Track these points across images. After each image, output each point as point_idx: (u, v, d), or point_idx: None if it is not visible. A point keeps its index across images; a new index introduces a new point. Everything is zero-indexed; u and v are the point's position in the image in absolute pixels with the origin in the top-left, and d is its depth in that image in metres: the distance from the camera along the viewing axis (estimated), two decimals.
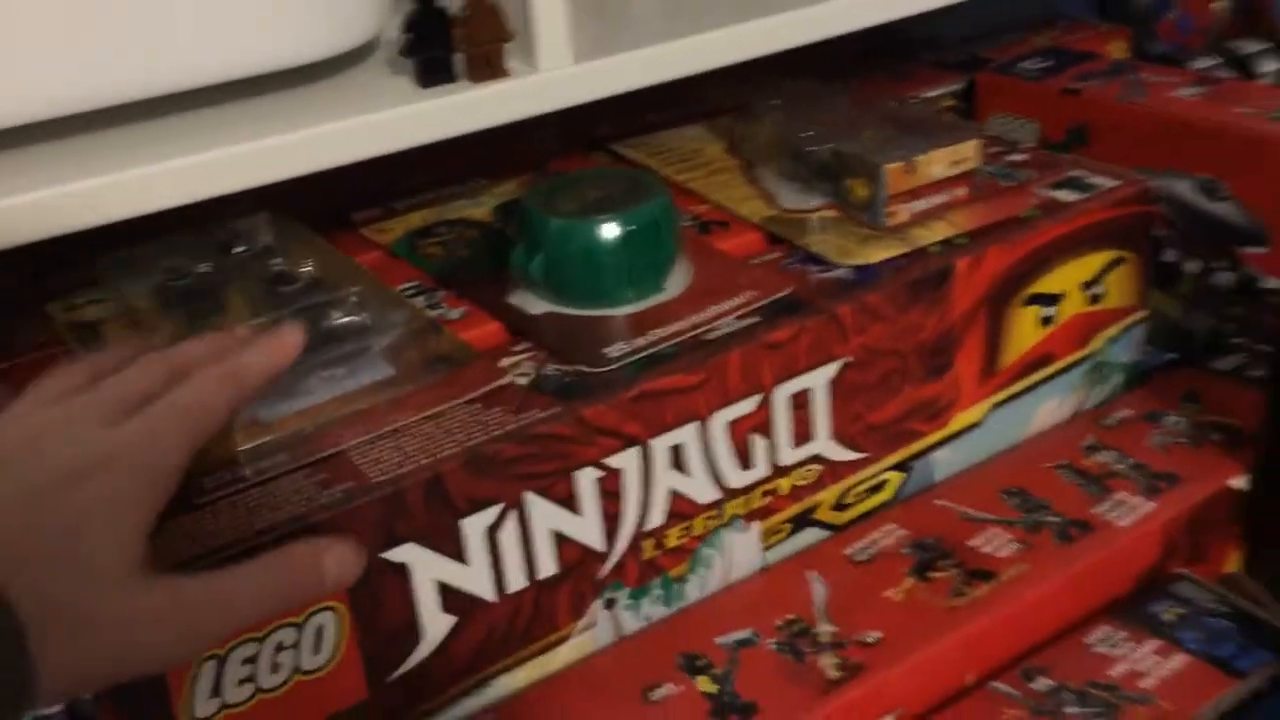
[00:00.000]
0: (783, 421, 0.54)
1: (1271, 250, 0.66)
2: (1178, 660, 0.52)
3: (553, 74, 0.52)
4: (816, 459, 0.55)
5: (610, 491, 0.50)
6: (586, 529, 0.50)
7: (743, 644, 0.51)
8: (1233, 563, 0.60)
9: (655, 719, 0.48)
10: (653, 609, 0.53)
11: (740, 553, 0.55)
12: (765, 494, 0.54)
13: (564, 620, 0.51)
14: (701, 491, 0.52)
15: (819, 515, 0.57)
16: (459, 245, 0.61)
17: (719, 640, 0.51)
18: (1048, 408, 0.63)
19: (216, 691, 0.42)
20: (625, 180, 0.57)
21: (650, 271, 0.54)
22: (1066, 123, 0.72)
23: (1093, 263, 0.62)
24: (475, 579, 0.47)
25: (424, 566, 0.46)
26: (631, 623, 0.53)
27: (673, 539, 0.52)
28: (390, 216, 0.64)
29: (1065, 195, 0.61)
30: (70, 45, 0.44)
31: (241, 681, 0.43)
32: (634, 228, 0.53)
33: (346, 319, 0.50)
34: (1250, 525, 0.59)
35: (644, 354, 0.50)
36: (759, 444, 0.53)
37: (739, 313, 0.53)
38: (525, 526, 0.48)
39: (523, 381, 0.50)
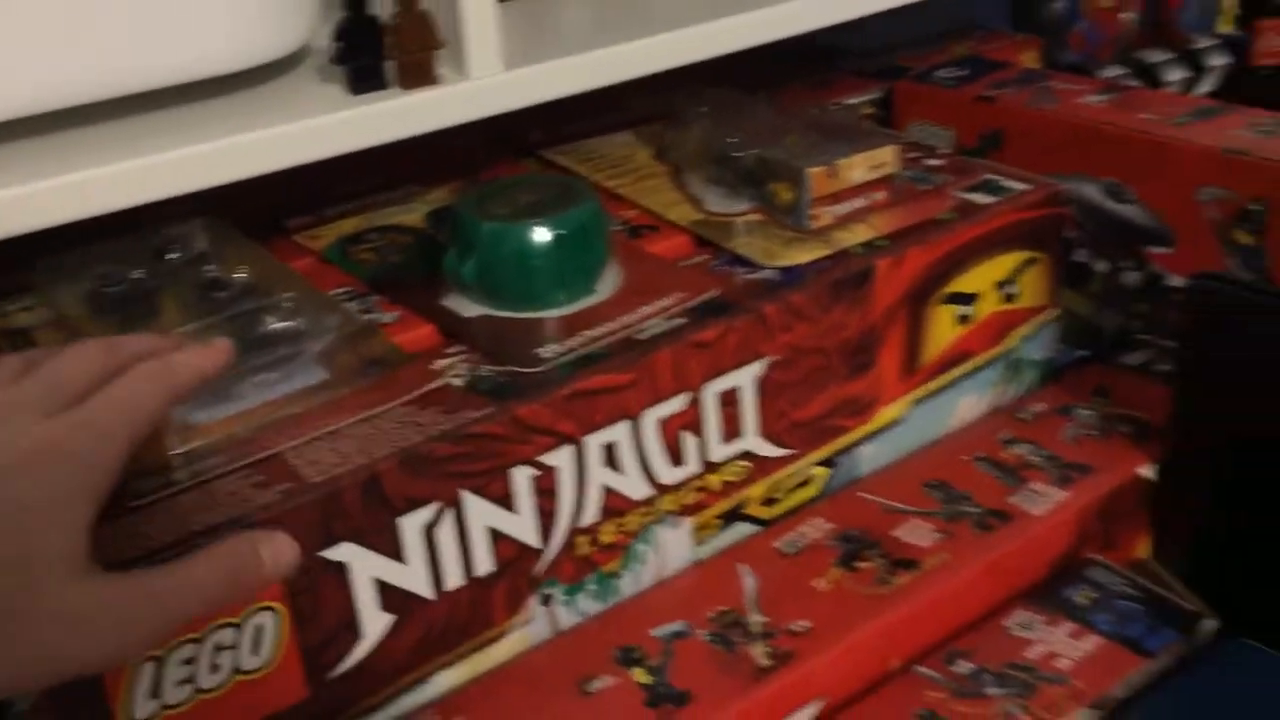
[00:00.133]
0: (712, 419, 0.55)
1: (1176, 250, 0.69)
2: (1091, 641, 0.54)
3: (483, 81, 0.52)
4: (745, 455, 0.57)
5: (545, 489, 0.51)
6: (522, 526, 0.51)
7: (676, 636, 0.52)
8: (1142, 548, 0.62)
9: (592, 710, 0.49)
10: (588, 604, 0.54)
11: (672, 548, 0.56)
12: (696, 490, 0.56)
13: (501, 617, 0.51)
14: (634, 488, 0.54)
15: (748, 510, 0.58)
16: (391, 251, 0.61)
17: (653, 633, 0.52)
18: (966, 403, 0.65)
19: (156, 692, 0.43)
20: (556, 185, 0.58)
21: (581, 274, 0.55)
22: (981, 129, 0.75)
23: (1007, 263, 0.64)
24: (413, 577, 0.48)
25: (362, 565, 0.47)
26: (568, 618, 0.54)
27: (607, 535, 0.53)
28: (322, 223, 0.65)
29: (980, 198, 0.64)
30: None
31: (181, 682, 0.43)
32: (565, 231, 0.54)
33: (280, 324, 0.51)
34: (1157, 513, 0.62)
35: (576, 354, 0.52)
36: (689, 441, 0.55)
37: (668, 313, 0.54)
38: (462, 525, 0.49)
39: (457, 382, 0.51)
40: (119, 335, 0.43)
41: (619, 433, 0.52)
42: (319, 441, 0.47)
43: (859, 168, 0.61)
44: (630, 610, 0.54)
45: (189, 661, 0.43)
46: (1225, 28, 1.09)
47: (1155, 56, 1.02)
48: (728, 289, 0.56)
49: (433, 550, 0.48)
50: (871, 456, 0.62)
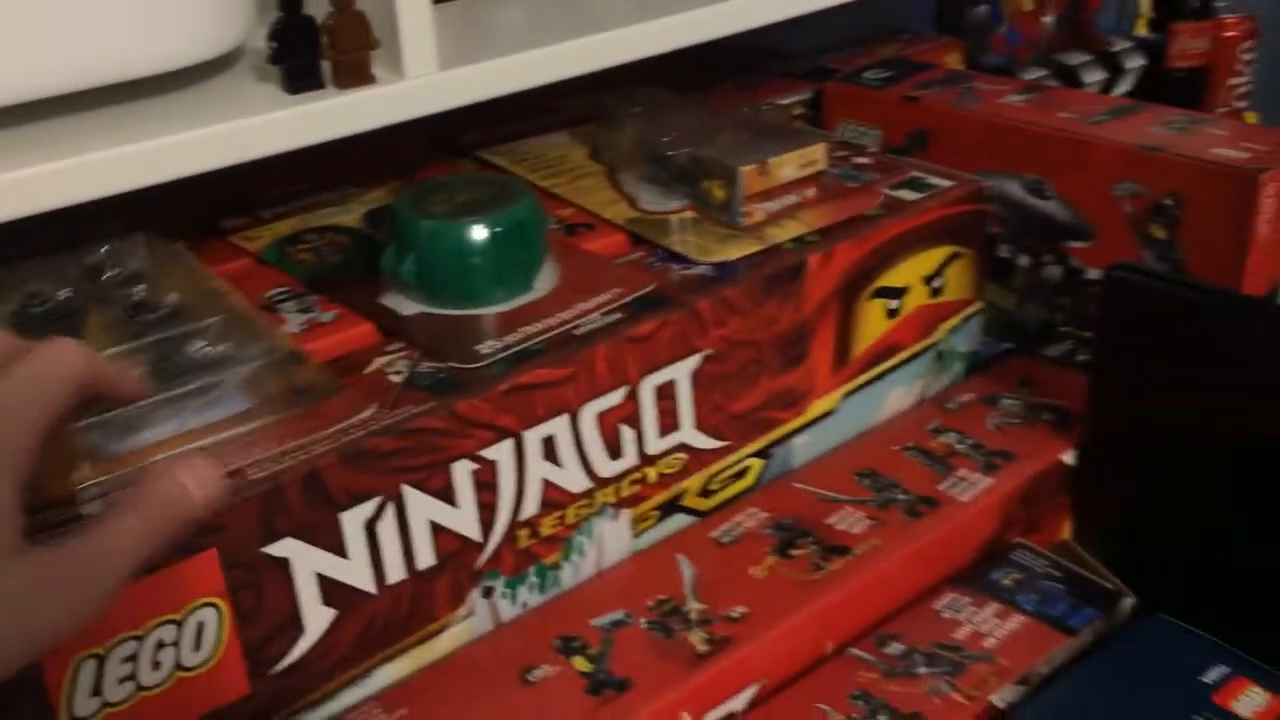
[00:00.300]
0: (649, 412, 0.56)
1: (1094, 244, 0.71)
2: (1016, 621, 0.56)
3: (418, 81, 0.53)
4: (682, 448, 0.58)
5: (485, 483, 0.51)
6: (463, 520, 0.51)
7: (616, 625, 0.53)
8: (1064, 531, 0.65)
9: (534, 699, 0.50)
10: (529, 596, 0.55)
11: (611, 539, 0.57)
12: (634, 482, 0.57)
13: (443, 610, 0.52)
14: (573, 481, 0.54)
15: (685, 502, 0.59)
16: (330, 251, 0.62)
17: (593, 622, 0.53)
18: (896, 395, 0.67)
19: (97, 690, 0.43)
20: (493, 184, 0.59)
21: (519, 271, 0.56)
22: (907, 128, 0.77)
23: (933, 258, 0.66)
24: (355, 571, 0.49)
25: (304, 560, 0.47)
26: (509, 610, 0.54)
27: (547, 528, 0.54)
28: (259, 224, 0.65)
29: (907, 195, 0.66)
30: None
31: (122, 680, 0.43)
32: (503, 229, 0.55)
33: (204, 350, 0.49)
34: (1078, 496, 0.64)
35: (515, 350, 0.52)
36: (627, 434, 0.56)
37: (605, 309, 0.55)
38: (403, 519, 0.49)
39: (397, 379, 0.51)
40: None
41: (558, 427, 0.53)
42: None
43: (790, 165, 0.62)
44: (570, 601, 0.55)
45: (130, 659, 0.43)
46: (1141, 31, 1.12)
47: (1075, 58, 1.05)
48: (663, 285, 0.57)
49: (374, 544, 0.49)
50: (805, 447, 0.64)
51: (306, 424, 0.48)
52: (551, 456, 0.53)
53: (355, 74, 0.52)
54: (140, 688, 0.44)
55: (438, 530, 0.51)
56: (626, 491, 0.57)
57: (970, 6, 1.01)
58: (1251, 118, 1.10)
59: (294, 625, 0.48)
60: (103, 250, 0.56)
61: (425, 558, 0.51)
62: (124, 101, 0.51)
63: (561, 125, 0.75)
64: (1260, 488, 0.56)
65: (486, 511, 0.52)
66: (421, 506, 0.50)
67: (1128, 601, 0.58)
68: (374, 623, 0.50)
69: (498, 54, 0.55)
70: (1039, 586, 0.58)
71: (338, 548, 0.48)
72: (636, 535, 0.58)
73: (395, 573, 0.50)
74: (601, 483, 0.55)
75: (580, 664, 0.51)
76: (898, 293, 0.65)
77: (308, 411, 0.48)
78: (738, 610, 0.54)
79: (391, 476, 0.48)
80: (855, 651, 0.55)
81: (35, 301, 0.53)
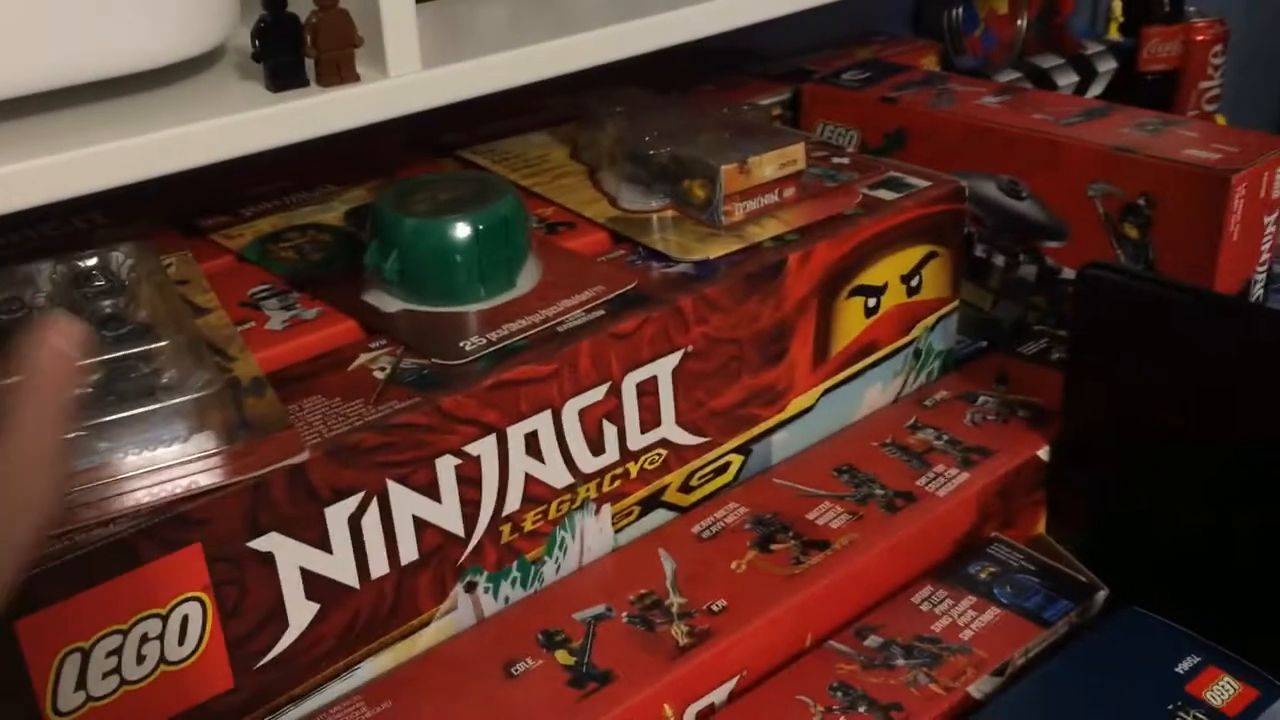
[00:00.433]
0: (631, 408, 0.57)
1: (1069, 244, 0.72)
2: (992, 614, 0.57)
3: (402, 79, 0.53)
4: (663, 443, 0.59)
5: (468, 478, 0.52)
6: (446, 515, 0.52)
7: (598, 618, 0.54)
8: (1039, 526, 0.66)
9: (517, 691, 0.50)
10: (512, 590, 0.55)
11: (593, 535, 0.58)
12: (616, 478, 0.57)
13: (426, 604, 0.52)
14: (556, 476, 0.55)
15: (666, 497, 0.60)
16: (312, 249, 0.62)
17: (576, 616, 0.54)
18: (874, 391, 0.68)
19: (81, 684, 0.43)
20: (475, 182, 0.59)
21: (502, 268, 0.57)
22: (885, 128, 0.78)
23: (910, 257, 0.67)
24: (339, 566, 0.49)
25: (288, 555, 0.47)
26: (491, 605, 0.55)
27: (529, 523, 0.55)
28: (239, 222, 0.65)
29: (885, 194, 0.67)
30: None
31: (106, 674, 0.43)
32: (486, 226, 0.55)
33: (149, 375, 0.47)
34: (1053, 491, 0.65)
35: (498, 346, 0.53)
36: (609, 430, 0.56)
37: (587, 306, 0.56)
38: (387, 514, 0.50)
39: (380, 375, 0.51)
40: None
41: (541, 422, 0.53)
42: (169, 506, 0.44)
43: (770, 164, 0.63)
44: (553, 595, 0.56)
45: (115, 653, 0.43)
46: (1113, 34, 1.14)
47: (1048, 61, 1.07)
48: (645, 282, 0.58)
49: (358, 539, 0.49)
50: (784, 443, 0.64)
51: (239, 462, 0.46)
52: (534, 452, 0.54)
53: (338, 72, 0.52)
54: (124, 682, 0.44)
55: (421, 525, 0.51)
56: (608, 487, 0.57)
57: (946, 9, 1.02)
58: (1221, 120, 1.12)
59: (278, 619, 0.48)
60: (92, 258, 0.55)
61: (409, 552, 0.51)
62: (105, 99, 0.50)
63: (542, 125, 0.75)
64: (1231, 482, 0.57)
65: (470, 507, 0.52)
66: (405, 501, 0.50)
67: (1101, 594, 0.59)
68: (358, 617, 0.50)
69: (481, 53, 0.55)
70: (1015, 580, 0.59)
71: (322, 542, 0.48)
72: (617, 531, 0.59)
73: (379, 567, 0.50)
74: (584, 478, 0.56)
75: (563, 657, 0.52)
76: (876, 291, 0.66)
77: (243, 448, 0.46)
78: (718, 604, 0.54)
79: (376, 471, 0.49)
80: (835, 644, 0.55)
81: (9, 308, 0.52)
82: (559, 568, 0.57)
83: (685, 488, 0.61)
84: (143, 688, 0.45)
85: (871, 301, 0.66)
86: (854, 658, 0.54)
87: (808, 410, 0.65)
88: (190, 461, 0.46)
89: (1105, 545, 0.62)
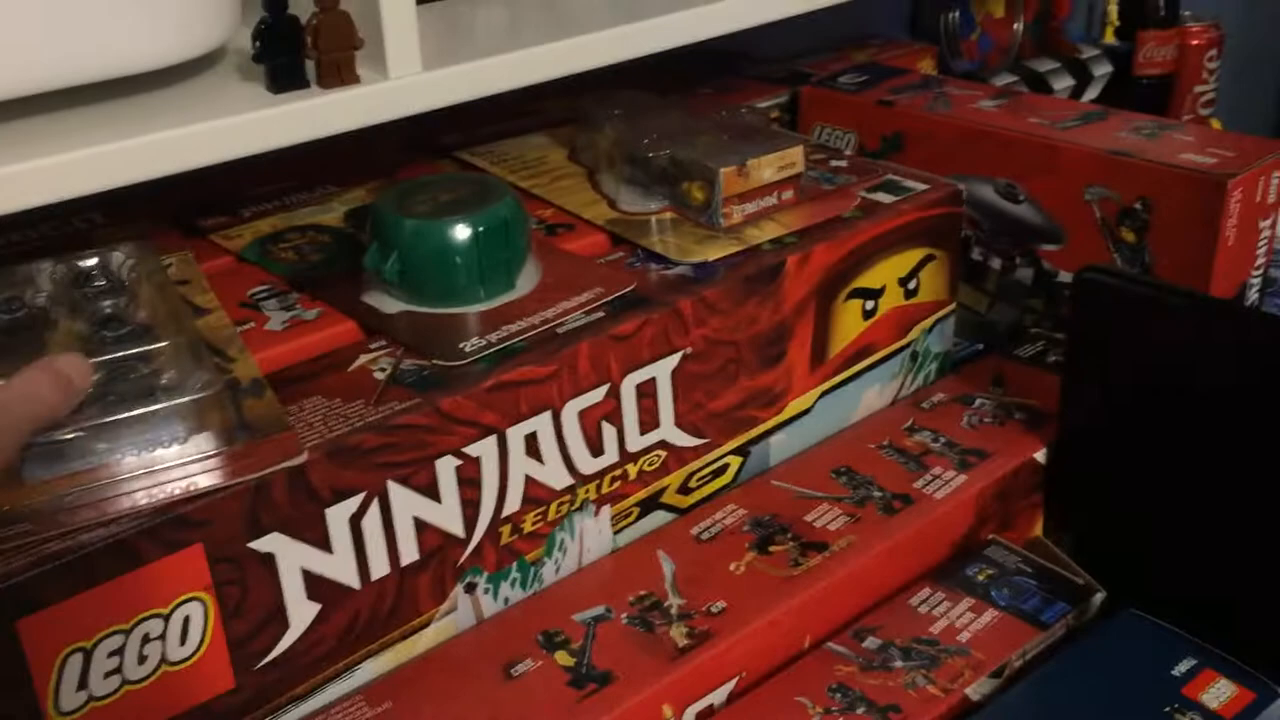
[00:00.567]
0: (630, 410, 0.57)
1: (1065, 248, 0.73)
2: (990, 616, 0.57)
3: (402, 81, 0.53)
4: (662, 445, 0.59)
5: (469, 479, 0.52)
6: (447, 516, 0.52)
7: (598, 619, 0.54)
8: (1037, 528, 0.66)
9: (517, 692, 0.50)
10: (511, 591, 0.55)
11: (592, 536, 0.58)
12: (615, 479, 0.57)
13: (426, 605, 0.52)
14: (555, 478, 0.55)
15: (665, 499, 0.60)
16: (312, 250, 0.62)
17: (575, 617, 0.54)
18: (871, 394, 0.68)
19: (83, 684, 0.43)
20: (475, 183, 0.59)
21: (502, 270, 0.57)
22: (882, 132, 0.78)
23: (908, 259, 0.67)
24: (340, 567, 0.49)
25: (289, 555, 0.47)
26: (491, 606, 0.55)
27: (529, 524, 0.55)
28: (239, 223, 0.65)
29: (882, 198, 0.67)
30: None
31: (108, 674, 0.43)
32: (485, 227, 0.55)
33: (149, 376, 0.47)
34: (1049, 494, 0.65)
35: (498, 347, 0.53)
36: (608, 432, 0.56)
37: (586, 308, 0.56)
38: (388, 514, 0.50)
39: (380, 375, 0.52)
40: None
41: (540, 424, 0.54)
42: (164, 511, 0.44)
43: (769, 167, 0.63)
44: (552, 596, 0.56)
45: (117, 653, 0.44)
46: (1109, 39, 1.14)
47: (1044, 65, 1.07)
48: (644, 284, 0.58)
49: (359, 540, 0.49)
50: (782, 445, 0.64)
51: (236, 464, 0.45)
52: (534, 453, 0.54)
53: (339, 74, 0.52)
54: (126, 682, 0.44)
55: (421, 526, 0.51)
56: (608, 488, 0.57)
57: (943, 13, 1.02)
58: (1216, 125, 1.12)
59: (279, 620, 0.48)
60: (93, 258, 0.55)
61: (409, 553, 0.51)
62: (107, 99, 0.51)
63: (541, 127, 0.75)
64: (1227, 485, 0.57)
65: (470, 507, 0.52)
66: (406, 502, 0.50)
67: (1098, 597, 0.60)
68: (358, 618, 0.50)
69: (481, 55, 0.55)
70: (1012, 582, 0.59)
71: (323, 543, 0.48)
72: (616, 532, 0.59)
73: (379, 568, 0.50)
74: (583, 479, 0.56)
75: (562, 658, 0.52)
76: (874, 294, 0.66)
77: (242, 450, 0.46)
78: (717, 605, 0.54)
79: (376, 472, 0.49)
80: (833, 645, 0.55)
81: (10, 307, 0.52)
82: (558, 569, 0.57)
83: (684, 489, 0.61)
84: (144, 687, 0.45)
85: (869, 304, 0.66)
86: (852, 659, 0.55)
87: (806, 412, 0.65)
88: (189, 463, 0.46)
89: (1102, 547, 0.62)
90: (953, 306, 0.72)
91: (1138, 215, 0.69)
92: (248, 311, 0.56)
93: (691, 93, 0.82)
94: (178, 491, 0.44)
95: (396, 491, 0.50)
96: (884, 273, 0.66)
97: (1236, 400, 0.56)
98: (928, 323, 0.70)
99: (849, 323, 0.65)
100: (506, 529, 0.54)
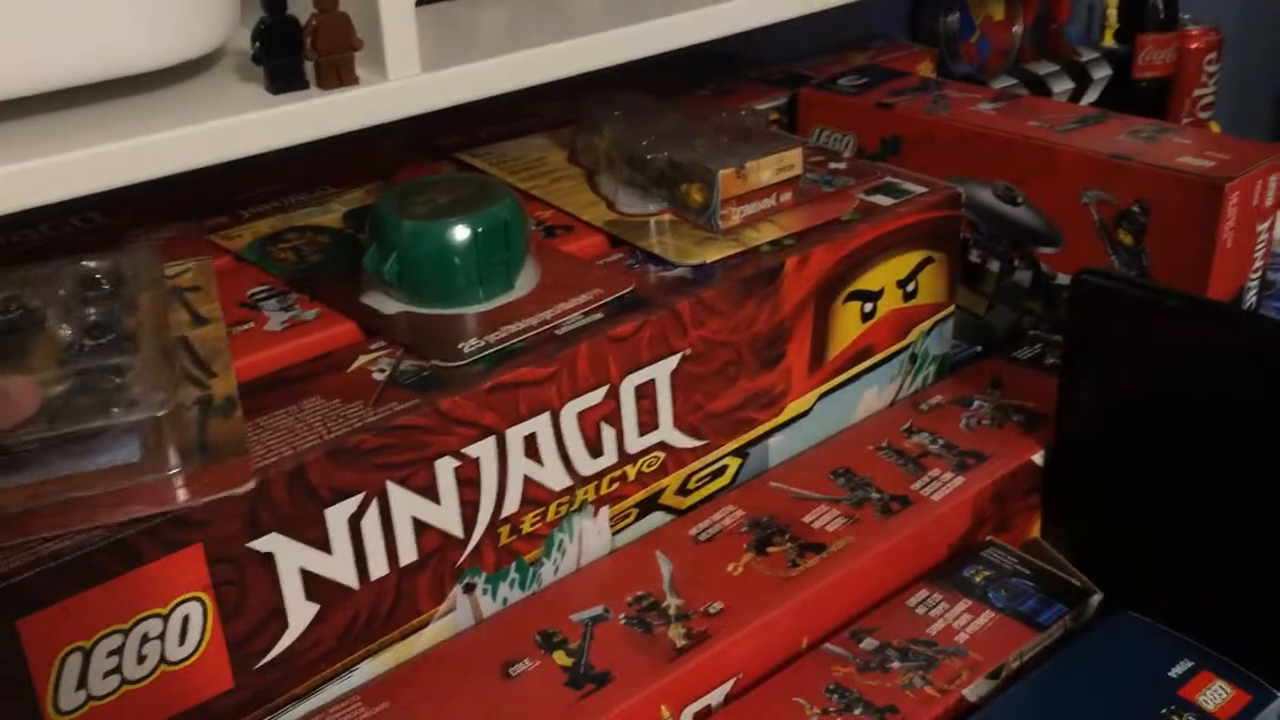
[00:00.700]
0: (629, 411, 0.57)
1: (1063, 250, 0.73)
2: (987, 617, 0.57)
3: (401, 82, 0.53)
4: (661, 446, 0.59)
5: (468, 480, 0.52)
6: (446, 516, 0.52)
7: (596, 620, 0.54)
8: (1034, 530, 0.66)
9: (515, 692, 0.50)
10: (510, 592, 0.55)
11: (591, 537, 0.58)
12: (614, 480, 0.58)
13: (425, 605, 0.53)
14: (554, 479, 0.55)
15: (664, 500, 0.60)
16: (311, 250, 0.62)
17: (573, 617, 0.54)
18: (869, 395, 0.68)
19: (82, 684, 0.43)
20: (474, 184, 0.59)
21: (501, 271, 0.57)
22: (881, 134, 0.78)
23: (907, 262, 0.67)
24: (338, 567, 0.49)
25: (288, 555, 0.47)
26: (490, 606, 0.55)
27: (527, 525, 0.55)
28: (239, 223, 0.65)
29: (881, 200, 0.67)
30: None
31: (107, 674, 0.44)
32: (484, 229, 0.55)
33: (113, 390, 0.46)
34: (1047, 496, 0.65)
35: (497, 348, 0.53)
36: (607, 433, 0.56)
37: (585, 309, 0.56)
38: (387, 515, 0.50)
39: (380, 376, 0.52)
40: None
41: (539, 425, 0.54)
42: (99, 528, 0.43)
43: (767, 169, 0.63)
44: (551, 596, 0.56)
45: (116, 652, 0.44)
46: (1109, 42, 1.15)
47: (1043, 68, 1.07)
48: (642, 286, 0.58)
49: (358, 540, 0.49)
50: (781, 447, 0.65)
51: (192, 486, 0.44)
52: (533, 454, 0.54)
53: (338, 74, 0.52)
54: (125, 681, 0.44)
55: (420, 526, 0.51)
56: (606, 489, 0.57)
57: (942, 15, 1.02)
58: (1215, 128, 1.13)
59: (278, 620, 0.48)
60: (93, 260, 0.54)
61: (408, 553, 0.51)
62: (106, 100, 0.51)
63: (540, 128, 0.75)
64: (1224, 487, 0.57)
65: (469, 508, 0.52)
66: (405, 503, 0.50)
67: (1095, 598, 0.60)
68: (357, 618, 0.50)
69: (480, 57, 0.55)
70: (1009, 584, 0.60)
71: (322, 543, 0.48)
72: (615, 533, 0.59)
73: (378, 568, 0.50)
74: (582, 480, 0.56)
75: (561, 658, 0.52)
76: (872, 296, 0.66)
77: (198, 473, 0.45)
78: (715, 606, 0.54)
79: (376, 473, 0.49)
80: (830, 647, 0.56)
81: (9, 308, 0.50)
82: (557, 569, 0.57)
83: (683, 490, 0.61)
84: (143, 687, 0.45)
85: (868, 306, 0.66)
86: (850, 660, 0.55)
87: (804, 414, 0.65)
88: (135, 486, 0.44)
89: (1099, 549, 0.62)
90: (951, 309, 0.72)
91: (1135, 218, 0.69)
92: (247, 312, 0.56)
93: (689, 94, 0.82)
94: (118, 516, 0.43)
95: (396, 492, 0.50)
96: (883, 275, 0.66)
97: (1234, 403, 0.56)
98: (926, 325, 0.70)
99: (848, 325, 0.65)
100: (505, 530, 0.54)
